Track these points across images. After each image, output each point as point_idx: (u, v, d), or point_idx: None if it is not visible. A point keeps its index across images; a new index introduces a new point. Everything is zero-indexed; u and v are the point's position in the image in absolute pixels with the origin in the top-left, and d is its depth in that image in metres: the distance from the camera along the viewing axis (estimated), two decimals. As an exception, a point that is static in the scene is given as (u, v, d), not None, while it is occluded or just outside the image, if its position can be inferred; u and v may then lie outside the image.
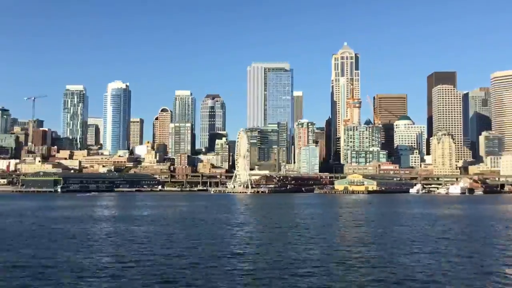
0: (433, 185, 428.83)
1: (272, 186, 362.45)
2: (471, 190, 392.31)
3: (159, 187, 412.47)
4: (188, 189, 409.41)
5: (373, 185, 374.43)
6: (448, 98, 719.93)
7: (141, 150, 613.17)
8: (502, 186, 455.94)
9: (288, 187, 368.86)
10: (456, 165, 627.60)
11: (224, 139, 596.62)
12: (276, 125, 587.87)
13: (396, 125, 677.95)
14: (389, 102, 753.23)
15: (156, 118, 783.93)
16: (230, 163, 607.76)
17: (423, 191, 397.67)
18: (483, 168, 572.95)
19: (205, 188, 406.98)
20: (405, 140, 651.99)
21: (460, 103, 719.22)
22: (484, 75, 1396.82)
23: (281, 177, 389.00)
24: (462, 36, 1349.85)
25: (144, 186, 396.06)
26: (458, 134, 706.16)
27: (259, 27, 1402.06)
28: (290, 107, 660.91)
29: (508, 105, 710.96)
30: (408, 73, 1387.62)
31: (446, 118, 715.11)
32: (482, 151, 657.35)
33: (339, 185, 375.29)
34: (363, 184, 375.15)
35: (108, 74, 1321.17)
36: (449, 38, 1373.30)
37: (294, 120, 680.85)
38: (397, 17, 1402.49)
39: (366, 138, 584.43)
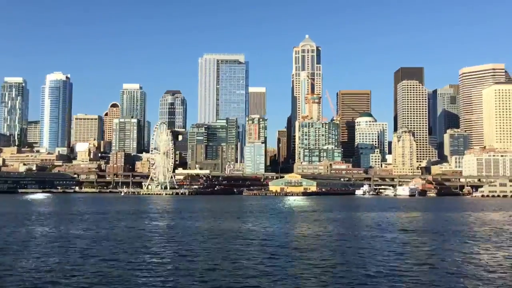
0: (383, 186, 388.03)
1: (196, 187, 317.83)
2: (423, 192, 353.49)
3: (76, 187, 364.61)
4: (108, 190, 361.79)
5: (312, 186, 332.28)
6: (414, 95, 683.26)
7: (82, 148, 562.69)
8: (463, 187, 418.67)
9: (215, 188, 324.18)
10: (419, 165, 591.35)
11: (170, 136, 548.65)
12: (225, 121, 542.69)
13: (357, 122, 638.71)
14: (353, 99, 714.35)
15: (106, 114, 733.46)
16: (178, 162, 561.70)
17: (372, 192, 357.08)
18: (446, 168, 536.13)
19: (117, 190, 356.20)
20: (366, 138, 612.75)
21: (425, 99, 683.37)
22: (454, 72, 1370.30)
23: (210, 177, 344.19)
24: (432, 31, 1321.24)
25: (58, 187, 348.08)
26: (423, 133, 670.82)
27: (214, 16, 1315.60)
28: (244, 102, 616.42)
29: (476, 102, 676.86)
30: (375, 68, 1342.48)
31: (411, 116, 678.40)
32: (447, 150, 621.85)
33: (274, 186, 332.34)
34: (301, 185, 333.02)
35: (51, 66, 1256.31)
36: (418, 33, 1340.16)
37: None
38: (363, 10, 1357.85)
39: (322, 135, 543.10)
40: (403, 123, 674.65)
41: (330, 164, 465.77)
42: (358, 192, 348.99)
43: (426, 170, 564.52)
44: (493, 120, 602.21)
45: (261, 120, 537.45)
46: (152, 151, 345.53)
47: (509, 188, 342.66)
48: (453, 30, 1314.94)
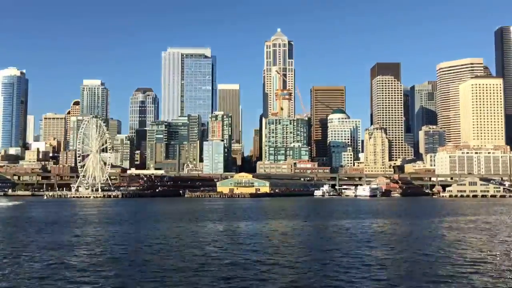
0: (344, 186, 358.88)
1: (134, 188, 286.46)
2: (387, 192, 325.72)
3: (10, 190, 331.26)
4: (31, 193, 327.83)
5: (264, 187, 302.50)
6: (389, 91, 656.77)
7: (35, 148, 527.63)
8: (434, 186, 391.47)
9: (157, 190, 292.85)
10: (394, 163, 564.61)
11: (125, 134, 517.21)
12: (187, 118, 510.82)
13: (330, 119, 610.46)
14: (327, 95, 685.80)
15: (68, 112, 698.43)
16: (139, 162, 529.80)
17: (332, 193, 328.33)
18: (419, 166, 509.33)
19: (42, 192, 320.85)
20: (339, 136, 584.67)
21: (401, 95, 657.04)
22: (433, 68, 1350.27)
23: (152, 177, 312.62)
24: (411, 26, 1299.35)
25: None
26: (399, 130, 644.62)
27: (181, 9, 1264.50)
28: (210, 98, 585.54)
29: (453, 98, 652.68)
30: (352, 64, 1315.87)
31: (386, 112, 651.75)
32: (422, 148, 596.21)
33: (222, 187, 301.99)
34: (253, 186, 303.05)
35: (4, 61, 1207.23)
36: (396, 27, 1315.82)
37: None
38: (338, 4, 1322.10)
39: (290, 133, 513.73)
40: (378, 120, 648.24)
41: (295, 163, 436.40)
42: (317, 193, 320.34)
43: (400, 169, 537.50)
44: (470, 116, 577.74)
45: (225, 117, 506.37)
46: (78, 150, 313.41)
47: (479, 187, 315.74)
48: (432, 24, 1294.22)
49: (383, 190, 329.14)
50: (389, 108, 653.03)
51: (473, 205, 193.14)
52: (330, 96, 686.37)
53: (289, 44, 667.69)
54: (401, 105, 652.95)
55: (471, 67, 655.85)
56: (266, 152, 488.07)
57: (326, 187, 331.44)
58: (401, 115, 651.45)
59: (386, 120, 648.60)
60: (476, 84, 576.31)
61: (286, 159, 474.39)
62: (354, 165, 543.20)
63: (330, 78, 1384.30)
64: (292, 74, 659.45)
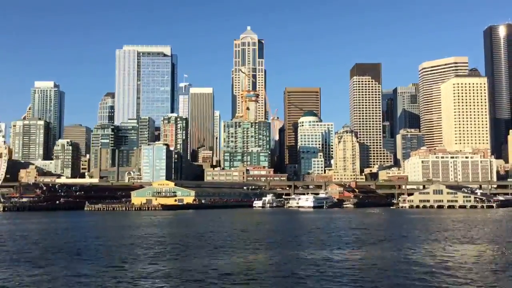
0: (292, 196, 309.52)
1: (26, 200, 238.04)
2: (339, 202, 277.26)
3: None
4: None
5: (188, 197, 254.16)
6: (367, 92, 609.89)
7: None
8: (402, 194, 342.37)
9: (60, 201, 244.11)
10: (370, 170, 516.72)
11: (67, 140, 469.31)
12: (136, 121, 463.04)
13: (300, 123, 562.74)
14: (300, 97, 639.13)
15: (24, 118, 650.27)
16: (84, 169, 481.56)
17: (276, 204, 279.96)
18: (394, 173, 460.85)
19: None
20: (310, 141, 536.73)
21: (379, 97, 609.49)
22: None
23: (56, 186, 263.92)
24: (392, 25, 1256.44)
25: None
26: (377, 134, 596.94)
27: (141, 5, 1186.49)
28: (169, 100, 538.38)
29: (436, 100, 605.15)
30: (330, 65, 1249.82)
31: (364, 116, 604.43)
32: (399, 153, 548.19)
33: (138, 198, 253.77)
34: (175, 195, 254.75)
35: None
36: (376, 27, 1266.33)
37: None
38: (314, 3, 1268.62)
39: (251, 137, 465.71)
40: (355, 124, 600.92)
41: (247, 170, 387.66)
42: (257, 204, 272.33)
43: (373, 176, 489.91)
44: (452, 118, 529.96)
45: (179, 119, 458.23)
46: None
47: (445, 196, 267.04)
48: (415, 23, 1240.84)
49: (335, 200, 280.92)
50: (367, 111, 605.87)
51: (428, 219, 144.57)
52: (304, 98, 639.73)
53: (259, 42, 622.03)
54: (379, 108, 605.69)
55: (455, 66, 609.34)
56: (221, 158, 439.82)
57: (269, 197, 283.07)
58: (379, 118, 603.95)
59: (363, 123, 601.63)
60: (458, 84, 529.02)
61: (244, 166, 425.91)
62: (325, 172, 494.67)
63: (305, 80, 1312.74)
64: (262, 74, 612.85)
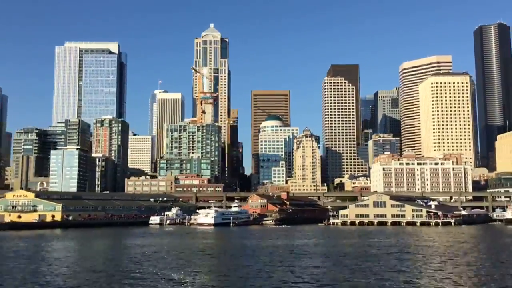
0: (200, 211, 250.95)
1: None
2: (260, 217, 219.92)
3: None
4: None
5: (54, 212, 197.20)
6: (340, 95, 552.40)
7: None
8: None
9: None
10: (340, 181, 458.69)
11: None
12: (64, 125, 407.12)
13: (262, 127, 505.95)
14: (268, 101, 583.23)
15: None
16: (7, 180, 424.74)
17: (179, 219, 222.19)
18: (360, 183, 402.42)
19: None
20: (272, 147, 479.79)
21: (353, 100, 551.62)
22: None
23: None
24: (373, 25, 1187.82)
25: None
26: (351, 141, 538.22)
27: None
28: (114, 103, 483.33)
29: (417, 102, 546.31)
30: (303, 66, 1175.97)
31: (337, 120, 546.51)
32: (371, 160, 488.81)
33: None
34: (35, 210, 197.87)
35: None
36: (353, 27, 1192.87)
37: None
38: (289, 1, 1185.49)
39: (198, 142, 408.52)
40: (327, 129, 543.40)
41: (176, 178, 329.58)
42: (154, 220, 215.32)
43: (341, 186, 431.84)
44: (430, 121, 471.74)
45: (113, 122, 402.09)
46: None
47: (390, 210, 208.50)
48: (396, 22, 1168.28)
49: (255, 215, 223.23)
50: (340, 115, 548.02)
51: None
52: (272, 102, 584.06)
53: (223, 41, 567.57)
54: (353, 112, 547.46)
55: (438, 66, 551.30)
56: (158, 166, 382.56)
57: (173, 211, 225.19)
58: (353, 123, 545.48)
59: (336, 129, 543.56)
60: (437, 83, 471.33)
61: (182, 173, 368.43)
62: (286, 182, 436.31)
63: (275, 82, 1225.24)
64: (225, 76, 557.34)
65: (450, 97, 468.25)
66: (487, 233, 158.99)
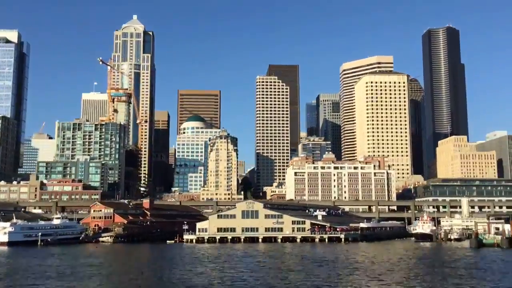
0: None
1: None
2: (99, 233, 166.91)
3: None
4: None
5: None
6: (274, 96, 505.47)
7: None
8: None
9: None
10: (274, 190, 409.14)
11: None
12: None
13: (182, 129, 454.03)
14: (196, 101, 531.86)
15: None
16: None
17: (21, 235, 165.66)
18: (280, 190, 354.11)
19: None
20: (190, 151, 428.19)
21: (287, 101, 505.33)
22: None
23: None
24: (315, 25, 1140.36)
25: None
26: (284, 145, 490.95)
27: None
28: (10, 98, 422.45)
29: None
30: (240, 66, 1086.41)
31: (270, 124, 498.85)
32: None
33: None
34: None
35: None
36: (295, 27, 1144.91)
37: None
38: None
39: (96, 143, 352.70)
40: (259, 134, 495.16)
41: (43, 184, 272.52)
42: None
43: (261, 195, 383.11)
44: (364, 124, 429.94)
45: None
46: None
47: (263, 221, 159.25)
48: (340, 23, 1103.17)
49: (94, 229, 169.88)
50: (274, 118, 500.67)
51: None
52: (200, 102, 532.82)
53: (146, 34, 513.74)
54: (287, 114, 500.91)
55: (378, 66, 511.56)
56: (37, 171, 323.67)
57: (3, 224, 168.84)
58: (287, 126, 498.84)
59: (270, 133, 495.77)
60: (372, 83, 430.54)
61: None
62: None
63: (207, 82, 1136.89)
64: (147, 73, 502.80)
65: (386, 98, 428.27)
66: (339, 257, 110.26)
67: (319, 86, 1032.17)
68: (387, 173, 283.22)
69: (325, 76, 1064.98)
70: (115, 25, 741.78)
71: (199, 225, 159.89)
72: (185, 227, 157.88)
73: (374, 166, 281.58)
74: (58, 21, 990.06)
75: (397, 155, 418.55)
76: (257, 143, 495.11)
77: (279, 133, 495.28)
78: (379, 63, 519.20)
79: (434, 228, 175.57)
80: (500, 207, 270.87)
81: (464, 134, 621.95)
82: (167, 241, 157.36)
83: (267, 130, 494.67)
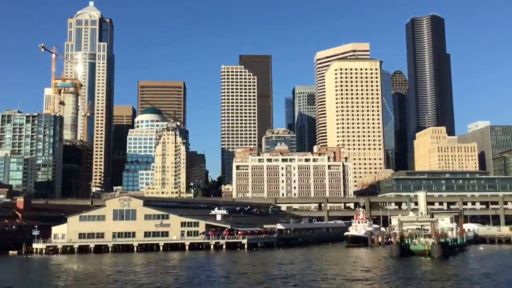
0: None
1: None
2: None
3: None
4: None
5: None
6: (241, 87, 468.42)
7: None
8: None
9: None
10: (230, 191, 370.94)
11: None
12: None
13: (136, 122, 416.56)
14: (158, 93, 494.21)
15: None
16: None
17: None
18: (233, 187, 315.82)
19: None
20: (142, 146, 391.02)
21: (254, 92, 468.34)
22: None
23: None
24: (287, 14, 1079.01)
25: None
26: (250, 141, 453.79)
27: None
28: None
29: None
30: (209, 57, 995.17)
31: (236, 117, 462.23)
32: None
33: None
34: None
35: None
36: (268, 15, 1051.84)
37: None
38: None
39: (27, 137, 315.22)
40: (224, 129, 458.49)
41: None
42: None
43: (216, 194, 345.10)
44: (334, 114, 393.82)
45: None
46: None
47: (141, 224, 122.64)
48: (314, 12, 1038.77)
49: None
50: (240, 110, 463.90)
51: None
52: (163, 95, 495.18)
53: (103, 22, 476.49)
54: (254, 107, 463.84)
55: (353, 55, 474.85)
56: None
57: None
58: (255, 120, 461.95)
59: (235, 127, 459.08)
60: (341, 69, 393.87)
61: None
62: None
63: (175, 75, 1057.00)
64: (103, 62, 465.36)
65: (357, 86, 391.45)
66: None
67: (296, 78, 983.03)
68: (343, 165, 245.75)
69: (301, 68, 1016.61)
70: (70, 13, 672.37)
71: (55, 229, 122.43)
72: (36, 232, 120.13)
73: (329, 157, 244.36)
74: (6, 8, 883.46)
75: (369, 149, 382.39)
76: (222, 137, 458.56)
77: (245, 127, 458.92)
78: (354, 51, 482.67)
79: (371, 229, 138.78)
80: (473, 203, 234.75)
81: (450, 127, 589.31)
82: (10, 252, 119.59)
83: (232, 123, 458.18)
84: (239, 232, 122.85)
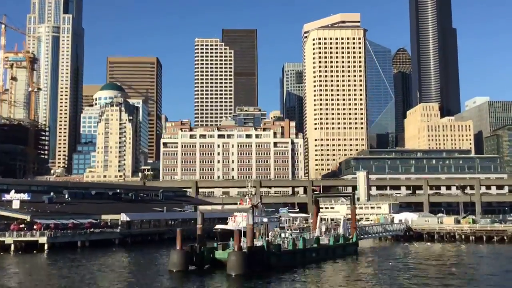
0: None
1: None
2: None
3: None
4: None
5: None
6: (214, 61, 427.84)
7: None
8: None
9: None
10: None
11: None
12: None
13: (95, 99, 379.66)
14: (129, 70, 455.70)
15: None
16: None
17: None
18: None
19: None
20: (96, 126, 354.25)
21: (230, 69, 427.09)
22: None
23: None
24: None
25: None
26: (226, 118, 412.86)
27: None
28: None
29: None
30: (186, 31, 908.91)
31: (211, 95, 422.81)
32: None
33: None
34: None
35: None
36: None
37: None
38: None
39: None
40: (197, 109, 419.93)
41: None
42: None
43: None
44: (312, 90, 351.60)
45: None
46: None
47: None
48: None
49: None
50: (215, 88, 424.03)
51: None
52: (135, 72, 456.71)
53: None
54: (230, 83, 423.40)
55: (343, 26, 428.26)
56: None
57: None
58: (231, 97, 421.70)
59: (209, 107, 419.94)
60: (319, 39, 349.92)
61: None
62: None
63: (150, 51, 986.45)
64: (68, 36, 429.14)
65: (338, 58, 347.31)
66: None
67: (287, 56, 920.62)
68: (293, 142, 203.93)
69: (292, 45, 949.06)
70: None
71: None
72: None
73: (275, 133, 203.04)
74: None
75: (350, 128, 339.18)
76: (196, 117, 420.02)
77: (221, 105, 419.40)
78: (343, 21, 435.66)
79: (258, 221, 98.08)
80: (448, 187, 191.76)
81: (455, 108, 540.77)
82: None
83: (207, 102, 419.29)
84: (35, 227, 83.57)
